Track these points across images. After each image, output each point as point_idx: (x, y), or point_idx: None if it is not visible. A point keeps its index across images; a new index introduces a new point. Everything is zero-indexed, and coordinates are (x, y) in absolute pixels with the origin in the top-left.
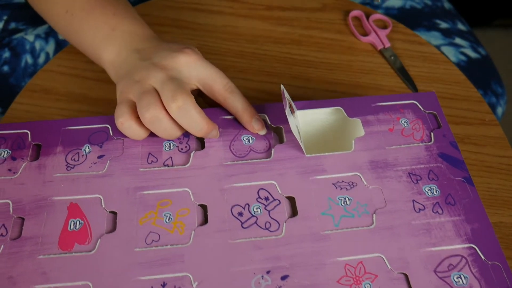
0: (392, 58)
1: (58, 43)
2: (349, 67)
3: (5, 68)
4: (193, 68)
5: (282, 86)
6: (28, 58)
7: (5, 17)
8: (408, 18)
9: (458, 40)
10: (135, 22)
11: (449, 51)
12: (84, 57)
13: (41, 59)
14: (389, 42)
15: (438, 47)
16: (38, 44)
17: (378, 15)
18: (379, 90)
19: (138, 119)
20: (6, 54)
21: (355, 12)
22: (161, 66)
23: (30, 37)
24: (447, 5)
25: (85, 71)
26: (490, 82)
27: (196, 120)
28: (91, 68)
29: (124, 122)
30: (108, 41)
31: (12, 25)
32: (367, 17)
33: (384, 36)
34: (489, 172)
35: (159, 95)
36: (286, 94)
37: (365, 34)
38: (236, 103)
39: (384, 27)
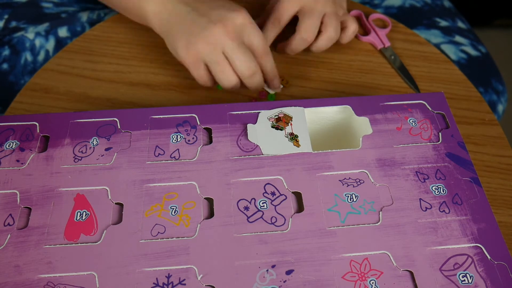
0: (392, 57)
1: (58, 40)
2: (349, 67)
3: (4, 65)
4: (246, 32)
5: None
6: (28, 56)
7: (6, 16)
8: (408, 16)
9: (458, 38)
10: None
11: (449, 49)
12: (84, 56)
13: (41, 56)
14: (389, 42)
15: (438, 45)
16: (38, 42)
17: (377, 15)
18: (379, 90)
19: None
20: (6, 51)
21: (355, 12)
22: (219, 25)
23: (30, 35)
24: (446, 3)
25: (84, 70)
26: (491, 80)
27: (261, 80)
28: (91, 67)
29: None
30: None
31: (13, 24)
32: (367, 16)
33: (384, 36)
34: (489, 171)
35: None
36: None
37: (365, 33)
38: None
39: (384, 26)
